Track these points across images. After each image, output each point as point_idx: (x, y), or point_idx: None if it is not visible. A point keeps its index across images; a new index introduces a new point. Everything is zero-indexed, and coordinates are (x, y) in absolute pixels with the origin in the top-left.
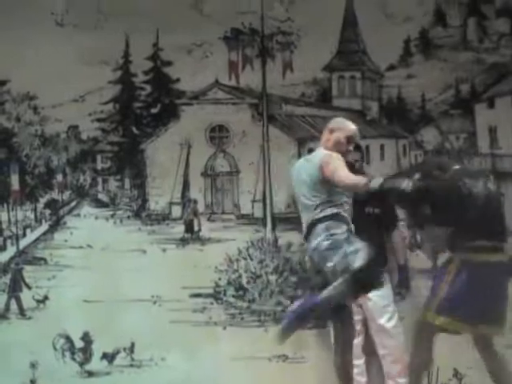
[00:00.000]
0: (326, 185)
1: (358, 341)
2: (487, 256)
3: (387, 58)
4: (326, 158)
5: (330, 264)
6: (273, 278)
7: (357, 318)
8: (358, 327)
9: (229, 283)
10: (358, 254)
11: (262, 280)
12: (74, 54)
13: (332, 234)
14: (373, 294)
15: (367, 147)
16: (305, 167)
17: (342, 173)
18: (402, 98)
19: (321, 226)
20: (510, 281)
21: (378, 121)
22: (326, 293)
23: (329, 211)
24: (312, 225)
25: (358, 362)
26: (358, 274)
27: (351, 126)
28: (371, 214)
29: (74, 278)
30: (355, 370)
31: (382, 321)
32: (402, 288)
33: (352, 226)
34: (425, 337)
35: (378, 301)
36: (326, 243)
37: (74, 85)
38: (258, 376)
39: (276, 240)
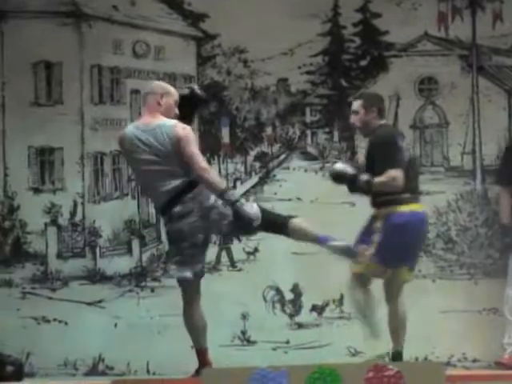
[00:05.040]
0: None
1: None
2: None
3: None
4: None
5: None
6: (482, 230)
7: None
8: None
9: (437, 236)
10: None
11: (472, 233)
12: (282, 7)
13: None
14: None
15: None
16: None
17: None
18: None
19: None
20: None
21: None
22: None
23: None
24: None
25: None
26: None
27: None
28: None
29: None
30: None
31: None
32: None
33: None
34: None
35: None
36: None
37: (283, 38)
38: (468, 329)
39: (486, 192)
